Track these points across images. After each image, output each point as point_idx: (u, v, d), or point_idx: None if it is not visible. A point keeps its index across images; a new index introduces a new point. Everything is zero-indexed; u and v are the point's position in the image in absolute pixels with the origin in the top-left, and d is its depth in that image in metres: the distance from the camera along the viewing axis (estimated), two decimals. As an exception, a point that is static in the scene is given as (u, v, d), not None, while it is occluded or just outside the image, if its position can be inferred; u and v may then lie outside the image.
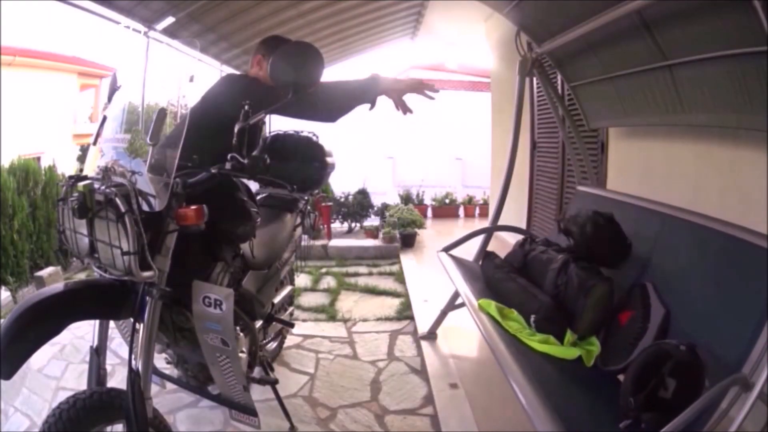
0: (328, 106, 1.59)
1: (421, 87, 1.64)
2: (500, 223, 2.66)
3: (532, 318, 1.64)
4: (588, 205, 2.29)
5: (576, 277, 1.64)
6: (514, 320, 1.70)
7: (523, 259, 2.00)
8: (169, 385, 1.91)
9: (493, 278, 2.00)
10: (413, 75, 11.78)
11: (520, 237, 3.01)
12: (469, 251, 2.65)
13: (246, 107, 1.35)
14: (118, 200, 1.18)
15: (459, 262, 2.36)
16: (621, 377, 1.36)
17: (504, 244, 2.70)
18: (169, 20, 3.77)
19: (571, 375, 1.47)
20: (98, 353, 1.38)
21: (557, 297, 1.68)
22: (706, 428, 1.04)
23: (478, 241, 2.65)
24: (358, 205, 5.56)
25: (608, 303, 1.60)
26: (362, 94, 1.57)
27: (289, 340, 2.65)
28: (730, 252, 1.40)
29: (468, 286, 2.00)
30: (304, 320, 3.06)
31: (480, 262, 2.45)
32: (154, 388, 1.39)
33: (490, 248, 2.54)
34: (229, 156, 1.35)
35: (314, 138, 2.25)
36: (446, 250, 2.48)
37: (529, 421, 1.14)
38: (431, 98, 1.66)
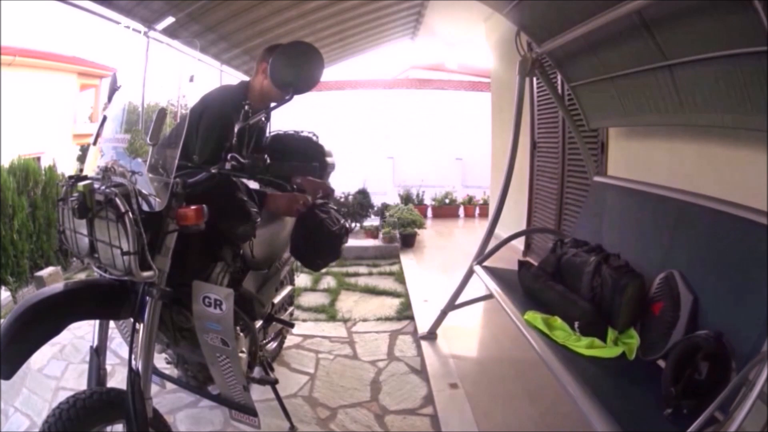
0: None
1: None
2: (500, 223, 2.66)
3: (576, 324, 1.72)
4: (605, 197, 2.34)
5: (609, 277, 1.73)
6: (559, 328, 1.76)
7: (557, 264, 2.05)
8: (169, 385, 1.91)
9: (533, 288, 2.05)
10: (413, 75, 11.80)
11: (521, 237, 3.03)
12: (470, 252, 2.65)
13: (246, 107, 1.36)
14: (118, 200, 1.19)
15: (493, 273, 2.36)
16: (661, 363, 1.48)
17: (505, 244, 2.69)
18: (169, 20, 3.77)
19: (617, 371, 1.56)
20: (98, 353, 1.38)
21: (594, 299, 1.77)
22: (734, 405, 1.11)
23: (477, 240, 2.65)
24: (358, 205, 5.56)
25: (641, 297, 1.68)
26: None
27: (289, 340, 2.65)
28: (748, 235, 1.46)
29: (509, 299, 2.01)
30: (304, 320, 3.06)
31: (481, 264, 2.47)
32: (154, 388, 1.39)
33: (490, 248, 2.54)
34: (229, 156, 1.35)
35: (314, 138, 2.25)
36: (480, 262, 2.48)
37: (587, 424, 1.25)
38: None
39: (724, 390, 1.13)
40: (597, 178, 2.51)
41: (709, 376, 1.24)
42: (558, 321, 1.79)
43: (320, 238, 1.77)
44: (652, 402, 1.33)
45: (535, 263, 2.23)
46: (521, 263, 2.25)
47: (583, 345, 1.65)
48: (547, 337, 1.69)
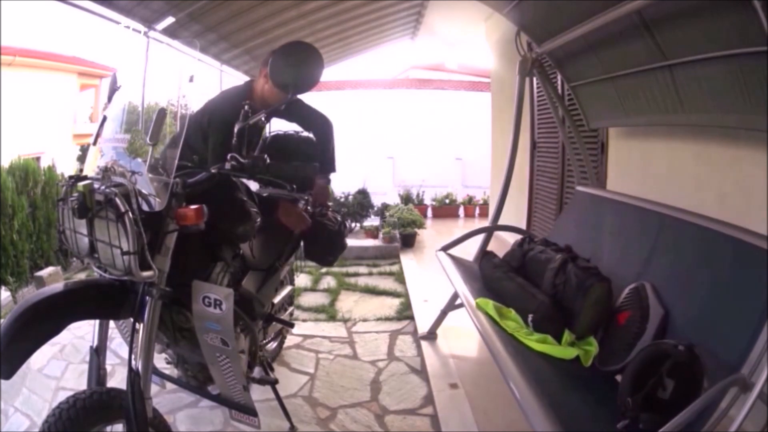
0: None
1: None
2: (500, 223, 2.66)
3: (530, 317, 1.64)
4: (586, 206, 2.30)
5: (574, 276, 1.65)
6: (512, 320, 1.71)
7: (522, 259, 2.01)
8: (169, 385, 1.91)
9: (492, 277, 2.00)
10: (413, 75, 11.80)
11: (518, 237, 3.02)
12: (469, 251, 2.65)
13: (246, 107, 1.36)
14: (117, 200, 1.19)
15: (457, 261, 2.36)
16: (619, 377, 1.36)
17: (504, 244, 2.69)
18: (169, 20, 3.77)
19: (569, 375, 1.47)
20: (98, 353, 1.38)
21: (555, 297, 1.69)
22: (705, 429, 1.04)
23: (478, 241, 2.65)
24: (358, 205, 5.56)
25: (606, 303, 1.61)
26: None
27: (289, 340, 2.65)
28: (729, 253, 1.40)
29: (466, 285, 2.00)
30: (304, 320, 3.06)
31: (445, 251, 2.46)
32: (154, 388, 1.39)
33: (490, 248, 2.54)
34: (228, 156, 1.35)
35: (314, 138, 2.25)
36: (445, 249, 2.47)
37: (526, 420, 1.14)
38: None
39: (690, 406, 1.00)
40: (580, 188, 2.51)
41: (676, 390, 1.09)
42: (512, 312, 1.73)
43: (326, 239, 2.09)
44: (606, 413, 1.21)
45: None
46: (485, 253, 2.22)
47: (534, 339, 1.58)
48: (497, 325, 1.62)
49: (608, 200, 2.19)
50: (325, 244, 2.13)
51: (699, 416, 1.03)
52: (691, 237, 1.59)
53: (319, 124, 2.07)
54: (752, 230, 1.37)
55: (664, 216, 1.77)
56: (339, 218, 2.17)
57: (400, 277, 3.98)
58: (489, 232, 2.63)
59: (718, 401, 1.06)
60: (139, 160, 1.35)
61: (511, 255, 2.10)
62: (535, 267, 1.89)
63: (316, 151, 2.17)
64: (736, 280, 1.34)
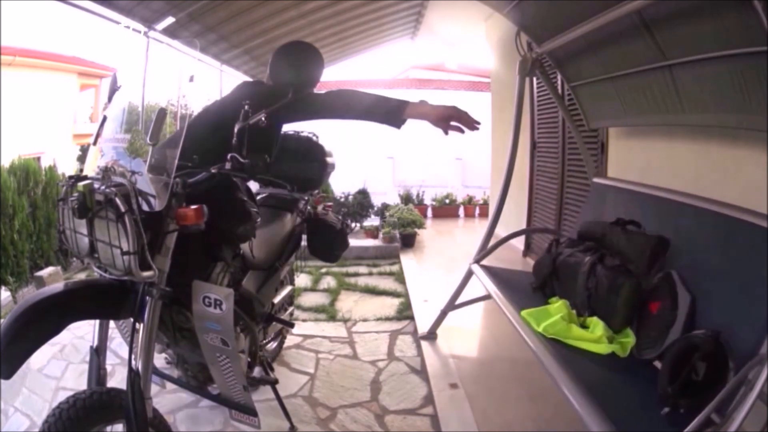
0: (338, 107, 1.53)
1: (460, 117, 1.47)
2: (500, 223, 2.65)
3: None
4: (605, 197, 2.33)
5: (605, 278, 1.72)
6: (555, 312, 1.78)
7: (552, 265, 2.05)
8: (169, 385, 1.91)
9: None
10: (413, 75, 11.80)
11: (521, 237, 3.03)
12: (469, 252, 2.65)
13: (246, 107, 1.35)
14: (117, 200, 1.18)
15: (491, 272, 2.37)
16: (657, 364, 1.47)
17: (505, 246, 2.69)
18: (169, 20, 3.77)
19: (611, 369, 1.56)
20: (98, 353, 1.38)
21: (590, 300, 1.76)
22: (733, 405, 1.12)
23: (477, 241, 2.65)
24: (358, 205, 5.56)
25: (638, 297, 1.68)
26: (385, 113, 1.47)
27: (289, 340, 2.65)
28: (748, 238, 1.45)
29: (506, 298, 2.02)
30: (304, 320, 3.06)
31: (479, 263, 2.47)
32: (154, 388, 1.39)
33: (489, 248, 2.54)
34: (228, 156, 1.35)
35: (314, 138, 2.25)
36: (478, 261, 2.48)
37: (582, 424, 1.24)
38: (472, 129, 1.51)
39: (722, 390, 1.12)
40: (597, 179, 2.51)
41: (707, 376, 1.23)
42: (557, 303, 1.81)
43: (331, 236, 2.20)
44: (649, 401, 1.32)
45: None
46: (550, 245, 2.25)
47: (574, 335, 1.66)
48: (541, 335, 1.70)
49: (625, 191, 2.20)
50: (329, 240, 2.22)
51: (731, 395, 1.13)
52: (710, 224, 1.64)
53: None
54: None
55: (681, 204, 1.80)
56: (340, 217, 2.30)
57: (400, 277, 3.99)
58: (524, 234, 2.65)
59: (743, 381, 1.14)
60: (139, 160, 1.34)
61: (542, 262, 2.14)
62: (567, 271, 1.95)
63: (316, 152, 2.18)
64: (755, 264, 1.38)
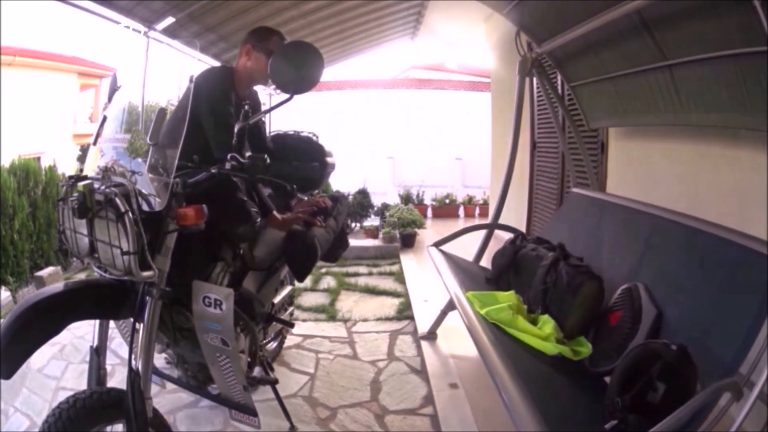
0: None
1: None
2: (503, 223, 2.66)
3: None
4: (581, 208, 2.31)
5: (565, 274, 1.64)
6: (504, 300, 1.70)
7: (513, 256, 2.01)
8: (169, 385, 1.91)
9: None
10: (413, 75, 11.80)
11: (510, 235, 3.02)
12: (469, 252, 2.65)
13: (245, 107, 1.36)
14: (117, 200, 1.19)
15: (449, 257, 2.36)
16: (609, 379, 1.30)
17: (503, 243, 2.69)
18: (169, 20, 3.77)
19: (558, 375, 1.46)
20: (98, 353, 1.38)
21: (546, 295, 1.68)
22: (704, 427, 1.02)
23: (476, 242, 2.65)
24: (358, 205, 5.56)
25: (597, 302, 1.59)
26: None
27: (289, 340, 2.65)
28: (722, 254, 1.39)
29: (455, 279, 1.99)
30: (304, 320, 3.06)
31: (437, 247, 2.45)
32: (154, 388, 1.39)
33: (448, 235, 2.54)
34: (228, 156, 1.35)
35: (314, 138, 2.25)
36: (437, 245, 2.46)
37: (510, 419, 1.11)
38: None
39: (680, 409, 0.96)
40: (575, 190, 2.51)
41: (667, 394, 1.06)
42: (508, 293, 1.76)
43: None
44: (594, 413, 1.18)
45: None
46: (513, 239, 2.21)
47: (519, 326, 1.56)
48: (482, 318, 1.60)
49: (602, 201, 2.19)
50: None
51: (690, 419, 1.00)
52: (684, 239, 1.58)
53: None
54: (744, 232, 1.36)
55: (656, 218, 1.75)
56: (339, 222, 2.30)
57: (400, 277, 3.98)
58: (480, 229, 2.64)
59: (711, 405, 1.02)
60: (139, 160, 1.34)
61: (502, 252, 2.10)
62: (527, 264, 1.89)
63: (316, 152, 2.18)
64: (729, 281, 1.33)
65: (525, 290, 1.84)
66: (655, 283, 1.55)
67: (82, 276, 3.78)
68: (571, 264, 1.67)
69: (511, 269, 1.98)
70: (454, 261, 2.31)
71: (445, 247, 2.46)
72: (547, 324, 1.59)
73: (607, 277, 1.67)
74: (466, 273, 2.17)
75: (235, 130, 1.38)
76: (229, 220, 1.51)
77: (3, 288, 3.38)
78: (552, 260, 1.73)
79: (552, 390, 1.38)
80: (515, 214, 4.52)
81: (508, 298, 1.75)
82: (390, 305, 3.34)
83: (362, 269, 4.29)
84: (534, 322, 1.63)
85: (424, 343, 2.64)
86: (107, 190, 1.21)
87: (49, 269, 3.54)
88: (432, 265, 2.27)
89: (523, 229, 4.39)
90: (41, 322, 1.19)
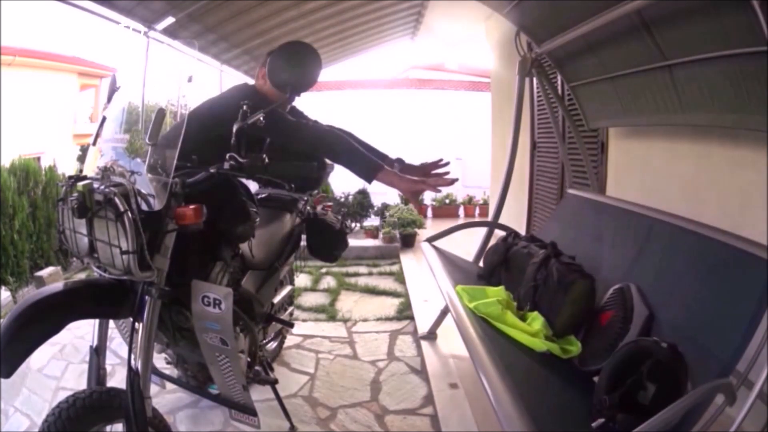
0: (323, 146, 1.61)
1: (427, 187, 1.57)
2: (500, 222, 2.66)
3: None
4: (576, 209, 2.32)
5: (556, 272, 1.63)
6: (493, 295, 1.70)
7: (505, 254, 2.02)
8: (169, 385, 1.91)
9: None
10: (413, 75, 11.79)
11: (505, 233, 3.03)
12: (469, 252, 2.65)
13: (245, 107, 1.36)
14: (117, 200, 1.19)
15: (442, 253, 2.38)
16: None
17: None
18: (169, 20, 3.77)
19: (546, 372, 1.45)
20: (98, 353, 1.38)
21: (536, 292, 1.67)
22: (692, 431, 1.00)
23: (474, 240, 2.65)
24: (358, 205, 5.56)
25: (588, 300, 1.58)
26: (361, 168, 1.53)
27: (289, 340, 2.65)
28: (717, 256, 1.38)
29: (445, 273, 2.01)
30: (304, 320, 3.06)
31: (430, 242, 2.48)
32: (154, 388, 1.40)
33: (442, 231, 2.55)
34: (227, 156, 1.35)
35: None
36: (430, 240, 2.48)
37: (496, 417, 1.10)
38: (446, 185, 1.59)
39: (669, 407, 0.95)
40: (571, 191, 2.51)
41: (657, 394, 1.04)
42: (497, 288, 1.77)
43: (331, 236, 2.21)
44: (581, 412, 1.17)
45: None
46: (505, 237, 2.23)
47: (507, 322, 1.55)
48: (471, 312, 1.59)
49: (598, 203, 2.19)
50: (329, 240, 2.23)
51: (682, 419, 0.98)
52: (678, 241, 1.56)
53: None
54: (737, 234, 1.35)
55: (651, 219, 1.74)
56: (339, 218, 2.32)
57: (400, 277, 3.98)
58: (487, 227, 2.65)
59: (705, 405, 1.01)
60: (139, 160, 1.34)
61: (495, 249, 2.11)
62: (518, 261, 1.89)
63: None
64: (724, 283, 1.31)
65: (516, 287, 1.83)
66: (648, 284, 1.54)
67: (82, 276, 3.78)
68: (562, 262, 1.67)
69: (502, 266, 1.99)
70: (446, 257, 2.32)
71: (442, 247, 2.47)
72: (537, 321, 1.58)
73: (599, 277, 1.66)
74: (459, 269, 2.19)
75: (234, 130, 1.38)
76: (229, 220, 1.51)
77: (3, 288, 3.39)
78: (543, 258, 1.72)
79: (540, 387, 1.37)
80: (515, 214, 4.52)
81: (497, 293, 1.75)
82: (390, 305, 3.35)
83: (362, 269, 4.30)
84: (523, 319, 1.62)
85: (424, 343, 2.64)
86: (107, 189, 1.21)
87: (49, 269, 3.54)
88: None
89: (523, 229, 4.40)
90: (41, 321, 1.19)
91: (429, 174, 1.63)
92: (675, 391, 1.04)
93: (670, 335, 1.29)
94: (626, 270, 1.70)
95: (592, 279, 1.60)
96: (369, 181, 1.52)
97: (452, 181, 1.56)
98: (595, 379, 1.30)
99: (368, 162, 1.52)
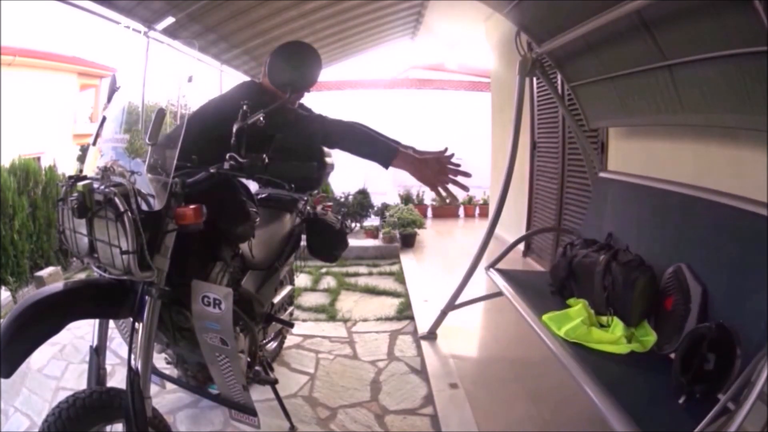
0: (337, 139, 1.59)
1: (444, 182, 1.54)
2: (499, 223, 2.66)
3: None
4: (611, 192, 2.34)
5: (620, 274, 1.74)
6: (575, 315, 1.80)
7: (569, 267, 2.06)
8: (169, 385, 1.91)
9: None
10: (413, 75, 11.79)
11: (519, 236, 3.03)
12: (469, 252, 2.65)
13: (245, 107, 1.35)
14: (117, 200, 1.18)
15: (507, 275, 2.36)
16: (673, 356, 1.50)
17: (504, 243, 2.69)
18: (169, 20, 3.77)
19: (630, 366, 1.59)
20: (98, 353, 1.38)
21: (608, 298, 1.78)
22: (744, 394, 1.13)
23: (477, 241, 2.65)
24: (358, 205, 5.56)
25: (652, 290, 1.70)
26: (376, 153, 1.53)
27: (289, 340, 2.65)
28: (753, 227, 1.46)
29: (525, 303, 2.03)
30: (304, 320, 3.06)
31: (494, 267, 2.48)
32: (154, 388, 1.39)
33: (501, 253, 2.54)
34: (227, 156, 1.35)
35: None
36: (492, 266, 2.48)
37: (606, 424, 1.28)
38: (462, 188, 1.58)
39: (731, 377, 1.21)
40: (602, 174, 2.50)
41: (717, 364, 1.30)
42: (579, 305, 1.85)
43: (331, 236, 2.21)
44: (667, 393, 1.37)
45: (540, 260, 2.22)
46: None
47: (594, 339, 1.69)
48: (561, 339, 1.71)
49: (631, 185, 2.21)
50: (329, 240, 2.24)
51: (740, 385, 1.17)
52: (716, 215, 1.65)
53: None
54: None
55: (686, 197, 1.81)
56: (339, 218, 2.32)
57: (400, 277, 3.99)
58: (535, 235, 2.64)
59: (761, 370, 1.14)
60: (139, 160, 1.34)
61: (558, 266, 2.15)
62: (583, 272, 1.96)
63: (316, 152, 2.17)
64: (761, 252, 1.40)
65: (589, 293, 1.91)
66: (695, 260, 1.64)
67: (82, 276, 3.78)
68: (621, 262, 1.78)
69: (571, 279, 2.05)
70: (515, 281, 2.31)
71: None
72: (617, 327, 1.72)
73: (651, 260, 1.76)
74: (532, 288, 2.20)
75: (234, 129, 1.37)
76: (229, 220, 1.51)
77: (3, 288, 3.38)
78: (604, 264, 1.82)
79: (628, 382, 1.52)
80: (515, 214, 4.52)
81: (579, 312, 1.83)
82: (390, 305, 3.35)
83: (362, 269, 4.30)
84: (604, 324, 1.78)
85: (424, 343, 2.64)
86: (106, 189, 1.21)
87: (49, 269, 3.54)
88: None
89: (523, 229, 4.40)
90: (41, 321, 1.19)
91: (445, 165, 1.62)
92: (730, 357, 1.28)
93: (723, 307, 1.48)
94: (673, 249, 1.79)
95: (652, 270, 1.71)
96: (385, 167, 1.52)
97: (467, 188, 1.61)
98: (672, 356, 1.52)
99: (384, 147, 1.52)
